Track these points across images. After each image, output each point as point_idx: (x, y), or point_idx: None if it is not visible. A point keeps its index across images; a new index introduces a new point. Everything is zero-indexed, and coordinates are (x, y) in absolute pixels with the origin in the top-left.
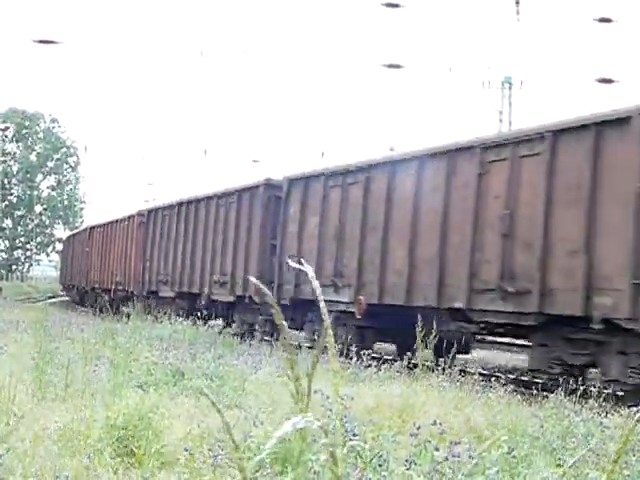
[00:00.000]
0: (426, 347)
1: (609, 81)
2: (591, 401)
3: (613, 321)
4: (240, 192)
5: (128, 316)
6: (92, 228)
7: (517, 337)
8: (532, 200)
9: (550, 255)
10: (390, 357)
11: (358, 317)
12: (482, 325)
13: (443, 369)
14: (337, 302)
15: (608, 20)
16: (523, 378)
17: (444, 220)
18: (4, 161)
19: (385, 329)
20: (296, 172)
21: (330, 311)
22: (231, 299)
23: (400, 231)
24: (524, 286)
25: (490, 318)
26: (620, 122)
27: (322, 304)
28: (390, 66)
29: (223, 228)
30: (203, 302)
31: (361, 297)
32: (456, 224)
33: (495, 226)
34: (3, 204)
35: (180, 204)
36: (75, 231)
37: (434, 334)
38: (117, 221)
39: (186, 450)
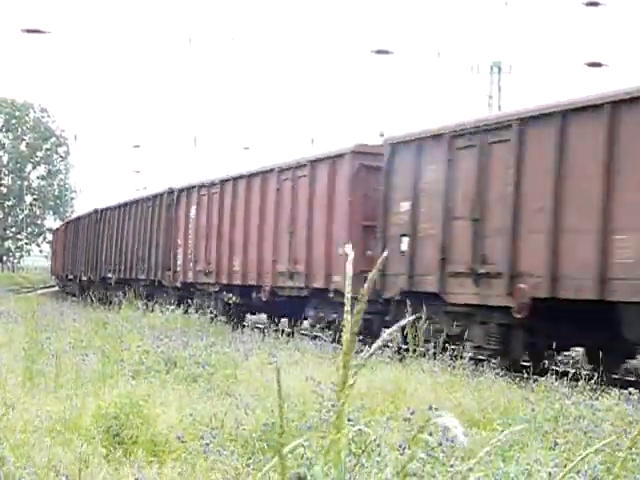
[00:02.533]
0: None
1: (598, 65)
2: (581, 383)
3: None
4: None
5: (120, 306)
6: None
7: None
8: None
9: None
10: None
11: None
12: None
13: (434, 354)
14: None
15: (596, 4)
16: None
17: None
18: None
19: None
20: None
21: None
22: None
23: None
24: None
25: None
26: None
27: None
28: (379, 52)
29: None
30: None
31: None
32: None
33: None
34: None
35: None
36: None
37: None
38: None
39: (178, 438)
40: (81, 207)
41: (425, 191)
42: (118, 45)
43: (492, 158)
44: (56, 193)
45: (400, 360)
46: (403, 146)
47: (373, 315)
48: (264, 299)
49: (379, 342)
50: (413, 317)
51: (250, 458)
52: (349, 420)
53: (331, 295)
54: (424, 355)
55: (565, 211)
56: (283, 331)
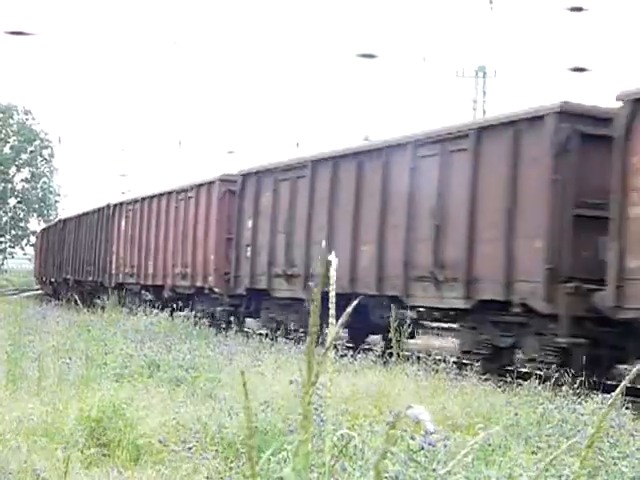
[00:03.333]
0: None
1: (582, 70)
2: (565, 388)
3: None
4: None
5: (103, 309)
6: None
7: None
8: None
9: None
10: (368, 346)
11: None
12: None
13: (418, 358)
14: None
15: (580, 9)
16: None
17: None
18: None
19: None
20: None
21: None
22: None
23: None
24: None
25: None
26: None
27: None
28: (364, 56)
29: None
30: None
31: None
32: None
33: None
34: None
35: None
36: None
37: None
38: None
39: (160, 441)
40: (65, 210)
41: (261, 212)
42: (103, 47)
43: (299, 189)
44: (40, 196)
45: (384, 364)
46: (249, 177)
47: (233, 307)
48: (166, 296)
49: (331, 338)
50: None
51: (233, 461)
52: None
53: (206, 292)
54: (408, 359)
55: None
56: (267, 335)
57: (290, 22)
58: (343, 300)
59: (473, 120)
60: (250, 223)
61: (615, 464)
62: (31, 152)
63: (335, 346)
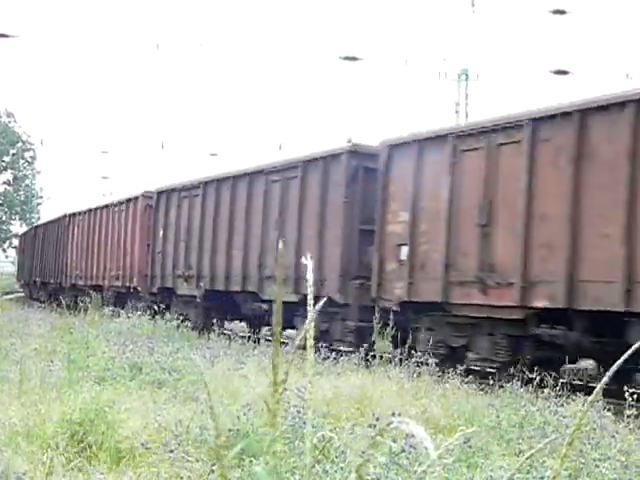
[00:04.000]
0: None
1: (564, 72)
2: (547, 390)
3: None
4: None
5: (85, 311)
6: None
7: None
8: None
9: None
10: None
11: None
12: None
13: (400, 360)
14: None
15: (562, 12)
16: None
17: None
18: None
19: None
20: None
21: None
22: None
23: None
24: None
25: None
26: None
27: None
28: (347, 58)
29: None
30: (105, 294)
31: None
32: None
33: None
34: None
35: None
36: (41, 222)
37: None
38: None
39: (142, 444)
40: (48, 213)
41: (169, 224)
42: (85, 50)
43: (195, 205)
44: (22, 199)
45: (366, 366)
46: (162, 194)
47: (153, 302)
48: (106, 295)
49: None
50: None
51: (215, 464)
52: (312, 427)
53: (132, 291)
54: (390, 361)
55: None
56: (249, 337)
57: (273, 25)
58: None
59: (303, 155)
60: (161, 233)
61: (597, 466)
62: (13, 155)
63: (318, 349)
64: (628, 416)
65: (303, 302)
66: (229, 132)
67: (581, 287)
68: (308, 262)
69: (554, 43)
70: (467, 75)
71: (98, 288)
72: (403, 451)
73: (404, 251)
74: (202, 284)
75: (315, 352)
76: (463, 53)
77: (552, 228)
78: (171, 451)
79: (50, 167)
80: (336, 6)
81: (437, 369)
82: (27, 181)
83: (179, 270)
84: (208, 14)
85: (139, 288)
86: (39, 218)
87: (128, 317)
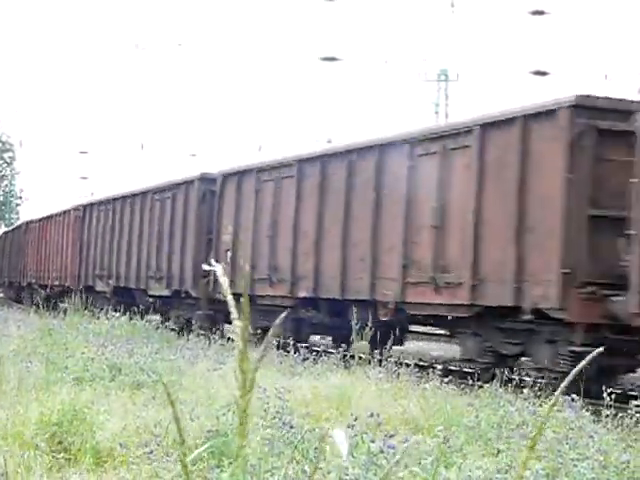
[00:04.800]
0: (362, 339)
1: (543, 73)
2: (526, 390)
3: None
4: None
5: (65, 312)
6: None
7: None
8: None
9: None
10: (328, 350)
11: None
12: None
13: (380, 361)
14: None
15: (541, 12)
16: (454, 368)
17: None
18: None
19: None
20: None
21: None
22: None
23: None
24: None
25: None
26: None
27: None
28: (326, 59)
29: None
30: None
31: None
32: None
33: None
34: None
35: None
36: (10, 227)
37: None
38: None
39: (121, 445)
40: (26, 214)
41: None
42: (64, 49)
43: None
44: (1, 199)
45: (345, 367)
46: (93, 207)
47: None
48: (50, 292)
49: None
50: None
51: (194, 464)
52: (291, 427)
53: (66, 289)
54: (369, 362)
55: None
56: (229, 339)
57: (253, 25)
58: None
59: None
60: (85, 238)
61: (575, 466)
62: None
63: (296, 348)
64: (606, 416)
65: (174, 296)
66: (209, 133)
67: None
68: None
69: (533, 44)
70: (447, 75)
71: (43, 286)
72: (382, 451)
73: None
74: (111, 282)
75: (295, 352)
76: (443, 54)
77: None
78: (150, 452)
79: (29, 168)
80: (315, 7)
81: (417, 370)
82: (6, 182)
83: (97, 271)
84: (188, 14)
85: (71, 286)
86: (18, 219)
87: (107, 319)
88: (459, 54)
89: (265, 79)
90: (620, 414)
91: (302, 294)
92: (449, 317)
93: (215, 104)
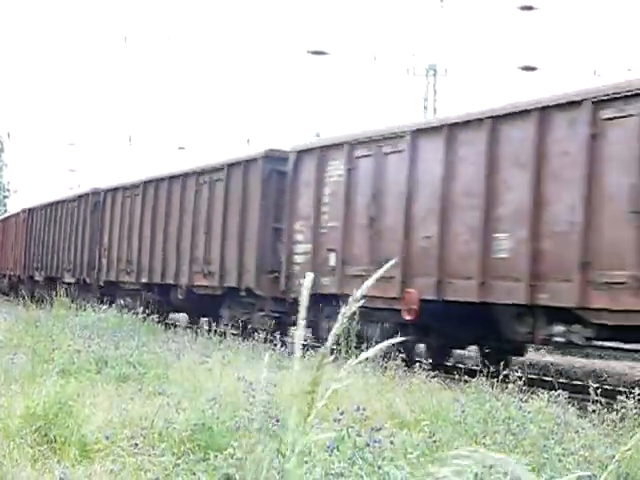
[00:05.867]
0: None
1: (532, 69)
2: (511, 385)
3: None
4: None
5: (52, 305)
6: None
7: None
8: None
9: None
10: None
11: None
12: None
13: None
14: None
15: (530, 8)
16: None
17: None
18: None
19: None
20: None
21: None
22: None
23: None
24: None
25: None
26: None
27: None
28: (315, 53)
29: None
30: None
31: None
32: None
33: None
34: None
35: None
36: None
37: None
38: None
39: (107, 438)
40: (15, 206)
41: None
42: (52, 41)
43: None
44: None
45: (333, 361)
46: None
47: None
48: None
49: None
50: None
51: (180, 457)
52: (277, 421)
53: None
54: (356, 356)
55: None
56: (215, 331)
57: (241, 18)
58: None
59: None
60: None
61: (560, 460)
62: None
63: (284, 343)
64: (593, 411)
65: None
66: (197, 126)
67: None
68: None
69: (522, 39)
70: (435, 71)
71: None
72: (367, 445)
73: None
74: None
75: (282, 347)
76: (432, 49)
77: None
78: (136, 445)
79: (17, 160)
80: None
81: (404, 364)
82: None
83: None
84: (176, 7)
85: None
86: (6, 211)
87: (94, 311)
88: (448, 49)
89: (253, 72)
90: (606, 409)
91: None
92: None
93: (203, 97)
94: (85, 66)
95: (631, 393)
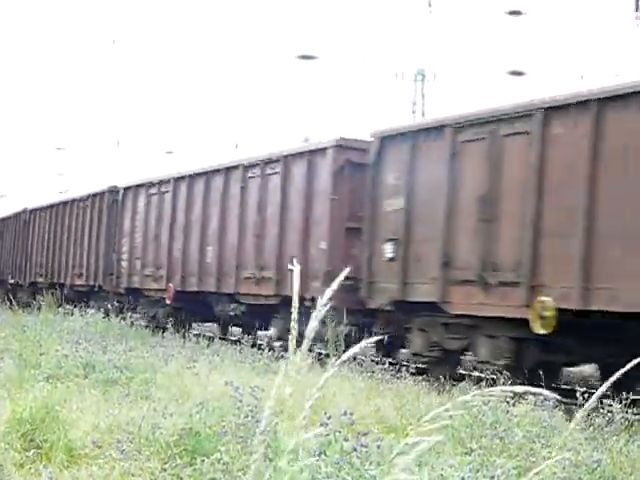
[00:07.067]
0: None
1: (520, 73)
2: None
3: None
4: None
5: (39, 308)
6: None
7: None
8: None
9: None
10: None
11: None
12: None
13: (354, 359)
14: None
15: (518, 12)
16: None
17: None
18: None
19: None
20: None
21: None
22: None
23: None
24: None
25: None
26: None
27: None
28: (303, 57)
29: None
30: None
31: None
32: None
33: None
34: None
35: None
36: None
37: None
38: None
39: (93, 443)
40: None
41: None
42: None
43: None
44: None
45: (320, 365)
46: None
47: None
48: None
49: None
50: None
51: (167, 462)
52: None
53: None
54: (344, 360)
55: None
56: (204, 336)
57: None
58: None
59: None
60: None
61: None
62: None
63: (273, 348)
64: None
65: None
66: (185, 130)
67: None
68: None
69: (510, 44)
70: (423, 75)
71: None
72: (354, 450)
73: None
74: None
75: (269, 350)
76: (420, 53)
77: None
78: (123, 450)
79: (5, 164)
80: (293, 4)
81: (391, 368)
82: None
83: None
84: (165, 11)
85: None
86: None
87: (81, 315)
88: (436, 54)
89: (242, 77)
90: (591, 414)
91: None
92: None
93: (191, 101)
94: (73, 69)
95: (619, 397)
